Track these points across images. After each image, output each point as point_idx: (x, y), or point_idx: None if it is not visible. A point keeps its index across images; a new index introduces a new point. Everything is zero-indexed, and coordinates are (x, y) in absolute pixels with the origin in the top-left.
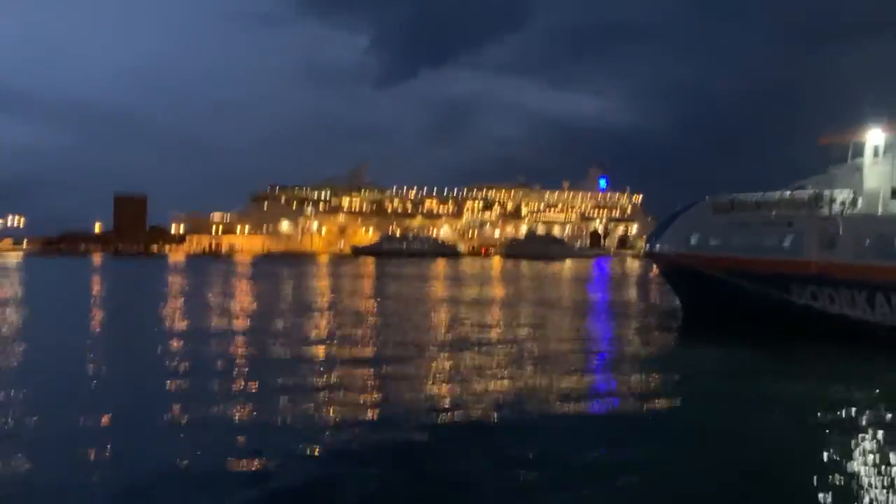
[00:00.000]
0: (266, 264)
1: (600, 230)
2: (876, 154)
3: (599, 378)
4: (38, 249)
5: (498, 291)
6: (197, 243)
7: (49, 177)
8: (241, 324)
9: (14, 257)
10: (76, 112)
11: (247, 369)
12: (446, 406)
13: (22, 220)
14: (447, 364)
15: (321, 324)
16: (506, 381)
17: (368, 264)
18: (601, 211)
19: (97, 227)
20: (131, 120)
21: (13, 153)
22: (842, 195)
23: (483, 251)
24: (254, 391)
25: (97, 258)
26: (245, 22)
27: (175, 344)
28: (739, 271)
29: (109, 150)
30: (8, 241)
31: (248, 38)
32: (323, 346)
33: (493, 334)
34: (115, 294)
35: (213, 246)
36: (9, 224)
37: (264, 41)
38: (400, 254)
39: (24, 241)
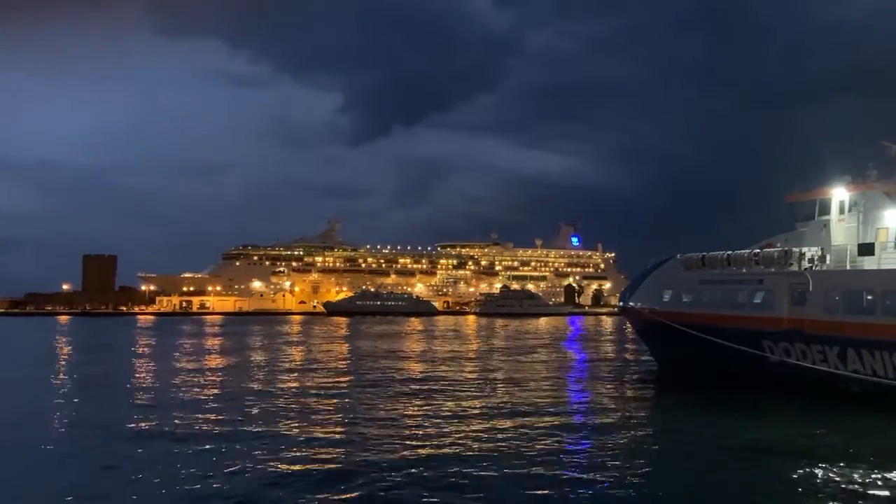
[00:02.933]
0: (237, 324)
1: (575, 286)
2: (842, 211)
3: (572, 438)
4: (3, 311)
5: (473, 349)
6: (167, 303)
7: (16, 238)
8: (209, 392)
9: None
10: (45, 174)
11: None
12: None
13: None
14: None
15: (288, 400)
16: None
17: (342, 324)
18: (575, 268)
19: (65, 288)
20: (101, 181)
21: None
22: (810, 252)
23: (458, 308)
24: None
25: (64, 318)
26: (218, 83)
27: (138, 414)
28: (712, 327)
29: (78, 212)
30: None
31: (221, 99)
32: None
33: (470, 396)
34: (78, 358)
35: (184, 306)
36: None
37: (238, 102)
38: (374, 312)
39: None
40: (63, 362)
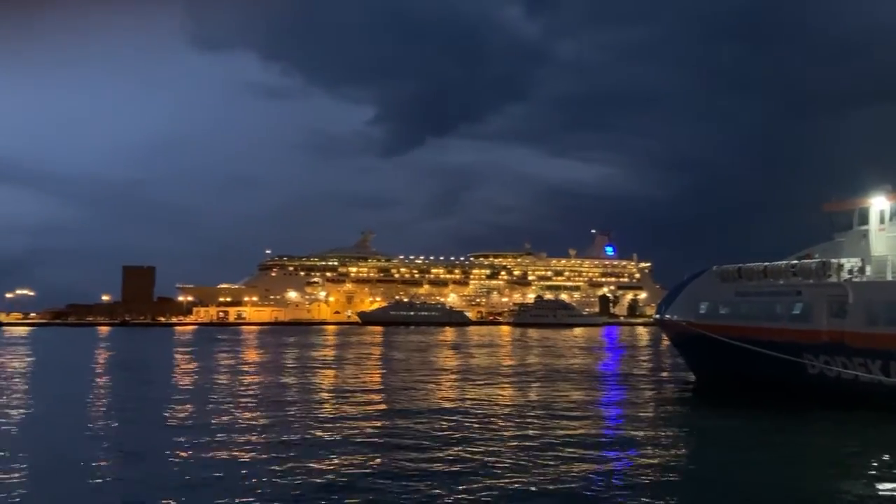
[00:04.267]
0: (273, 335)
1: (610, 297)
2: (882, 220)
3: (607, 451)
4: (46, 321)
5: (508, 360)
6: (205, 314)
7: (58, 250)
8: (245, 404)
9: (21, 330)
10: (86, 187)
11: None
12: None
13: (31, 293)
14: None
15: (327, 408)
16: (513, 455)
17: (377, 334)
18: (609, 278)
19: (105, 299)
20: (138, 194)
21: (24, 228)
22: (849, 263)
23: (491, 319)
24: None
25: (104, 329)
26: (252, 96)
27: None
28: (750, 339)
29: (118, 224)
30: (17, 315)
31: (255, 112)
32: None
33: (502, 410)
34: (116, 369)
35: (221, 316)
36: (18, 297)
37: (271, 114)
38: (408, 322)
39: (32, 314)
40: (102, 373)
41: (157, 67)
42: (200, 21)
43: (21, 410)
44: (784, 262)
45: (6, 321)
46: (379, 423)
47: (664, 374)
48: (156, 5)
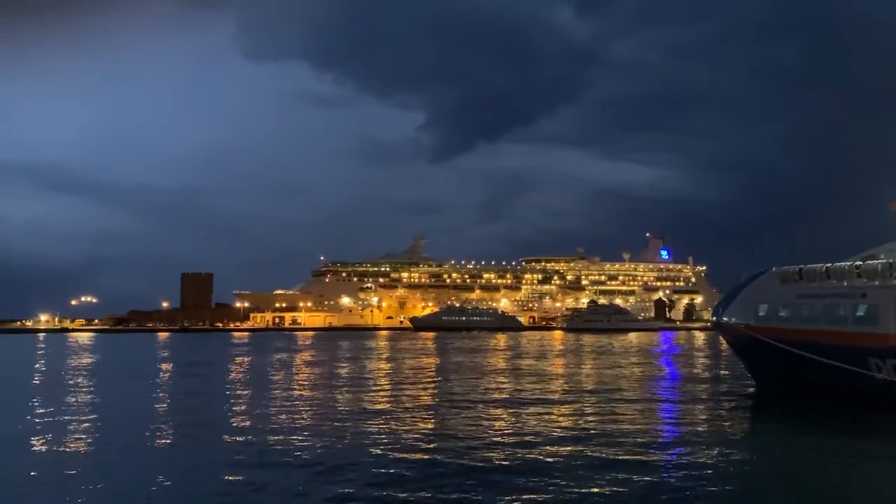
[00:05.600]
0: (327, 340)
1: (665, 301)
2: None
3: (664, 459)
4: (108, 327)
5: (561, 365)
6: (261, 319)
7: (118, 258)
8: (301, 407)
9: (86, 336)
10: (143, 196)
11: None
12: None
13: (94, 299)
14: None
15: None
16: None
17: (429, 339)
18: (664, 282)
19: (164, 305)
20: (194, 203)
21: (84, 237)
22: None
23: (544, 324)
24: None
25: (163, 335)
26: (304, 105)
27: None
28: (812, 343)
29: (175, 232)
30: (80, 321)
31: (307, 120)
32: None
33: (559, 419)
34: (178, 374)
35: (276, 322)
36: (82, 304)
37: (323, 122)
38: (460, 327)
39: (96, 320)
40: (165, 378)
41: (211, 79)
42: (253, 33)
43: (89, 410)
44: (847, 262)
45: (71, 327)
46: (432, 423)
47: (722, 379)
48: (210, 19)
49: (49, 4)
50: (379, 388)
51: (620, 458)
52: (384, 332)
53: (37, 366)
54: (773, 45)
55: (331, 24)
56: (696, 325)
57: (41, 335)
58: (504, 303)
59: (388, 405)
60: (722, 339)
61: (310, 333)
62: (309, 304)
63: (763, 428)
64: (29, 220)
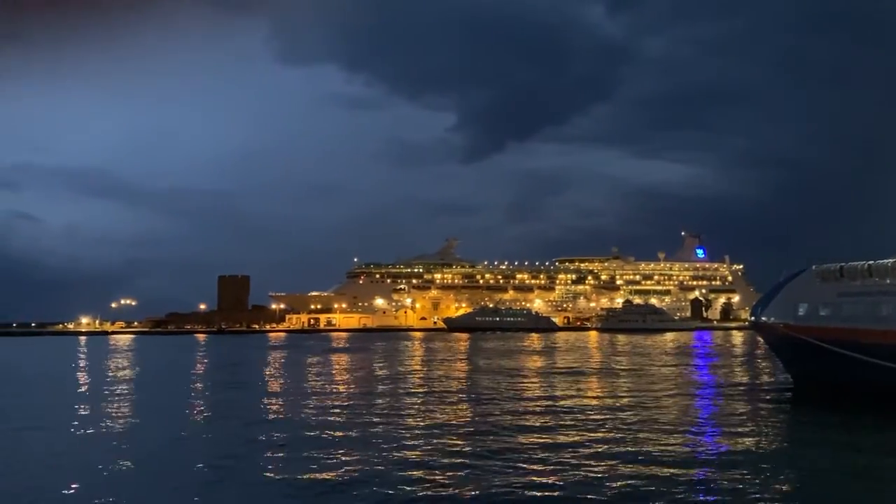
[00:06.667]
0: (363, 340)
1: (702, 300)
2: None
3: (702, 462)
4: (147, 329)
5: (596, 365)
6: (296, 320)
7: (155, 261)
8: (337, 408)
9: (126, 338)
10: (177, 200)
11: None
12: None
13: (133, 302)
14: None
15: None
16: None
17: (463, 340)
18: (700, 281)
19: (202, 307)
20: (228, 205)
21: (121, 240)
22: None
23: (579, 324)
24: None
25: (201, 336)
26: (336, 107)
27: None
28: (853, 343)
29: (210, 235)
30: (120, 323)
31: (339, 123)
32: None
33: (593, 419)
34: (220, 375)
35: (312, 323)
36: (121, 307)
37: (355, 124)
38: (494, 328)
39: (135, 323)
40: (208, 379)
41: (244, 82)
42: (285, 37)
43: (129, 409)
44: (890, 260)
45: (111, 329)
46: (469, 421)
47: (760, 379)
48: (242, 23)
49: (86, 11)
50: (413, 393)
51: (654, 460)
52: (418, 333)
53: (82, 366)
54: (808, 39)
55: (361, 27)
56: (734, 324)
57: (83, 337)
58: (538, 303)
59: (425, 405)
60: (760, 338)
61: (344, 334)
62: (343, 306)
63: (802, 429)
64: (68, 224)
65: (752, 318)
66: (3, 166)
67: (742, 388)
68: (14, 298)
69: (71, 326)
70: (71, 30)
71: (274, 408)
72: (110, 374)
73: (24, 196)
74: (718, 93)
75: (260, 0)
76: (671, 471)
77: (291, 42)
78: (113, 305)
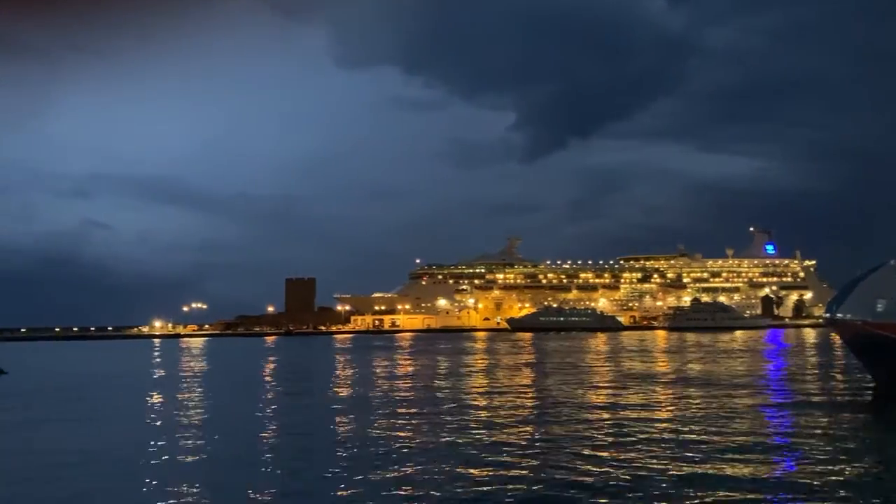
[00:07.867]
0: (426, 341)
1: (773, 297)
2: None
3: (777, 468)
4: (218, 332)
5: (665, 365)
6: (361, 322)
7: (224, 265)
8: (403, 410)
9: (198, 341)
10: (243, 205)
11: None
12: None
13: (203, 306)
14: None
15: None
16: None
17: (526, 340)
18: (770, 278)
19: (270, 310)
20: (293, 209)
21: (190, 246)
22: None
23: (645, 323)
24: None
25: (270, 338)
26: (396, 109)
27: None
28: None
29: (277, 239)
30: (192, 326)
31: (399, 125)
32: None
33: (660, 419)
34: (292, 377)
35: (376, 324)
36: (192, 310)
37: (415, 126)
38: (557, 328)
39: (206, 325)
40: (282, 380)
41: (305, 88)
42: (344, 41)
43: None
44: None
45: (183, 332)
46: (534, 427)
47: (837, 379)
48: (303, 29)
49: (152, 23)
50: (478, 388)
51: (729, 461)
52: (481, 334)
53: (160, 369)
54: (878, 27)
55: (419, 29)
56: (807, 322)
57: (156, 340)
58: (602, 302)
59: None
60: (836, 336)
61: (409, 335)
62: (407, 307)
63: (884, 432)
64: (140, 231)
65: (828, 315)
66: (77, 176)
67: (817, 387)
68: (90, 303)
69: (146, 330)
70: (142, 43)
71: (343, 421)
72: (194, 374)
73: (97, 204)
74: (784, 84)
75: (319, 6)
76: (741, 469)
77: (350, 46)
78: (184, 309)
